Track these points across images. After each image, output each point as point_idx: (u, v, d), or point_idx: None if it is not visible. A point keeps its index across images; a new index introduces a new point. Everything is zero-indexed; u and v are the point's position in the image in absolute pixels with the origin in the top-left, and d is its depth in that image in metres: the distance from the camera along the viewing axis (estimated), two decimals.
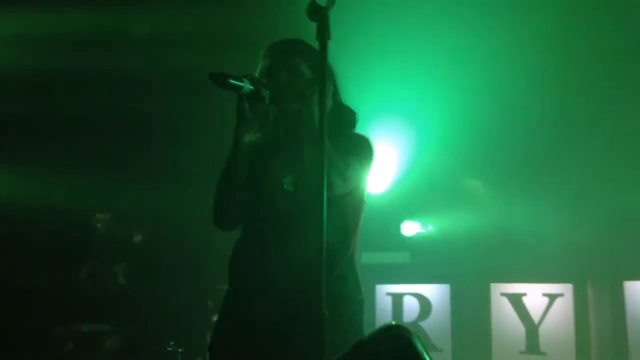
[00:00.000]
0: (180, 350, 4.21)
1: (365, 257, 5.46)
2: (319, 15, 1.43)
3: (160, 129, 4.57)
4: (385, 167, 5.32)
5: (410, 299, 5.00)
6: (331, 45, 1.46)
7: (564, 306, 4.54)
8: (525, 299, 4.66)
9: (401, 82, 4.74)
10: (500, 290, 4.75)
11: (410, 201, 5.24)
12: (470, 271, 4.84)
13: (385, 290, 5.06)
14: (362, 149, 1.81)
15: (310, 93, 1.76)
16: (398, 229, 5.46)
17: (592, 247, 4.70)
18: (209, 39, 4.25)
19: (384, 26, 4.33)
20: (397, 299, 5.01)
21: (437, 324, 4.88)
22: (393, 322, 3.03)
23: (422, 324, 4.91)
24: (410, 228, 5.37)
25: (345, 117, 1.85)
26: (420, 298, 4.97)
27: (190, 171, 4.61)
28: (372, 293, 5.05)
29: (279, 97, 1.72)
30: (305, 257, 1.51)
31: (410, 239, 5.39)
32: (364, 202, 1.86)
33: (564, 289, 4.58)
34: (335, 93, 1.86)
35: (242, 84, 1.63)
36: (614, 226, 4.65)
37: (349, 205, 1.77)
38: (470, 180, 4.97)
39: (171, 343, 4.21)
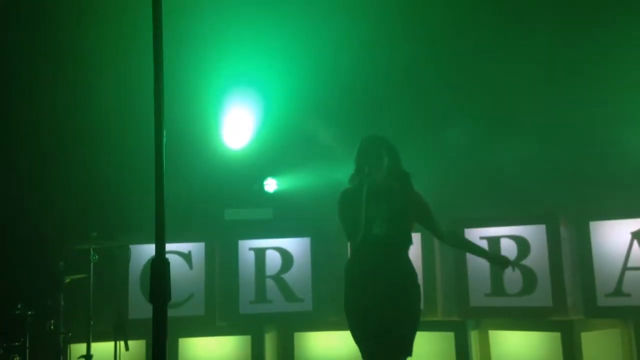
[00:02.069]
0: (29, 312, 3.93)
1: (228, 214, 5.42)
2: None
3: None
4: (244, 123, 5.27)
5: (272, 253, 5.04)
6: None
7: (414, 253, 4.79)
8: None
9: (255, 47, 4.72)
10: None
11: (271, 158, 5.26)
12: (329, 225, 4.97)
13: (248, 246, 5.06)
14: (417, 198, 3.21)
15: (390, 172, 3.16)
16: (261, 185, 5.46)
17: (434, 199, 5.02)
18: None
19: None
20: (260, 253, 5.03)
21: (299, 275, 4.99)
22: None
23: (285, 276, 4.99)
24: (272, 184, 5.39)
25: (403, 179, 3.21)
26: (282, 252, 5.03)
27: None
28: (235, 248, 5.04)
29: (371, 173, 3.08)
30: (388, 266, 3.06)
31: (272, 194, 5.42)
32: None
33: (412, 237, 4.81)
34: (394, 164, 3.17)
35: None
36: (454, 182, 4.98)
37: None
38: (325, 134, 5.05)
39: (19, 305, 3.91)
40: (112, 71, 4.69)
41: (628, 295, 4.16)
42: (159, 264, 1.64)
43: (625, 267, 4.18)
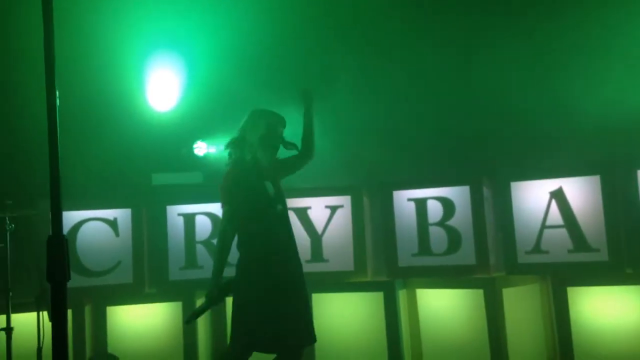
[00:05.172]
0: None
1: (156, 179, 5.14)
2: None
3: None
4: (170, 84, 4.97)
5: (202, 218, 4.83)
6: None
7: (344, 216, 4.74)
8: (310, 212, 4.77)
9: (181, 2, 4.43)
10: (288, 205, 4.78)
11: (201, 120, 5.02)
12: None
13: (177, 211, 4.81)
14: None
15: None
16: (190, 149, 5.21)
17: (365, 162, 4.99)
18: None
19: None
20: (189, 218, 4.80)
21: None
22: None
23: (215, 241, 4.79)
24: (201, 148, 5.15)
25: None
26: (212, 217, 4.83)
27: None
28: (164, 214, 4.78)
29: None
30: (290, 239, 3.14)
31: (202, 158, 5.18)
32: None
33: (344, 201, 4.76)
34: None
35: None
36: (382, 146, 4.94)
37: None
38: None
39: None
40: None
41: (546, 252, 4.23)
42: (56, 241, 1.45)
43: (543, 226, 4.24)
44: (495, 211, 4.54)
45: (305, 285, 3.10)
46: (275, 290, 2.97)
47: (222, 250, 3.06)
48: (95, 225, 4.65)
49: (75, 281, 4.42)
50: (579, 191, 4.19)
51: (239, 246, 3.10)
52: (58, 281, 1.42)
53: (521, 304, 4.25)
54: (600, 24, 4.46)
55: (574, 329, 4.08)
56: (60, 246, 1.46)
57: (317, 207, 4.75)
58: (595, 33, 4.50)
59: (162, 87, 5.13)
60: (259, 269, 3.00)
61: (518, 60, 4.71)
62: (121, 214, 4.71)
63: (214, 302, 3.06)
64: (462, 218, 4.47)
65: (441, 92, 4.97)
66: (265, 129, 3.11)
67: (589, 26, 4.51)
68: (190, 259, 4.76)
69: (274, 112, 3.20)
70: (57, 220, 1.47)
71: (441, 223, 4.52)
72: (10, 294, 3.91)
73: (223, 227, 3.07)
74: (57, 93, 1.58)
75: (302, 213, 4.73)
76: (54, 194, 1.47)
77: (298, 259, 3.15)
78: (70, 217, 4.59)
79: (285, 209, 3.17)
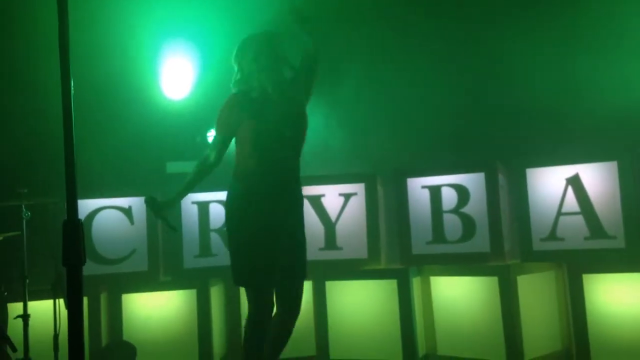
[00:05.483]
0: None
1: (170, 167, 5.14)
2: None
3: None
4: (184, 72, 4.95)
5: (215, 206, 4.83)
6: None
7: (357, 204, 4.71)
8: (323, 200, 4.74)
9: None
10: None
11: (215, 109, 4.99)
12: None
13: (191, 199, 4.81)
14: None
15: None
16: (204, 137, 5.20)
17: (378, 150, 4.95)
18: None
19: None
20: (203, 206, 4.80)
21: None
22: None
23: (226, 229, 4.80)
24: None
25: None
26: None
27: None
28: (178, 202, 4.77)
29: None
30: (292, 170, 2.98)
31: None
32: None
33: (357, 189, 4.73)
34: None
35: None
36: (396, 133, 4.88)
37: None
38: None
39: None
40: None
41: (562, 239, 4.16)
42: (72, 224, 1.45)
43: (559, 213, 4.17)
44: (510, 198, 4.48)
45: (302, 220, 3.02)
46: (271, 229, 2.87)
47: (197, 173, 3.03)
48: (110, 214, 4.66)
49: (91, 269, 4.46)
50: (596, 177, 4.12)
51: (234, 176, 3.01)
52: (73, 265, 1.41)
53: (536, 292, 4.20)
54: (618, 8, 4.37)
55: (589, 316, 4.03)
56: (75, 230, 1.45)
57: (331, 195, 4.72)
58: (612, 18, 4.41)
59: (176, 75, 5.11)
60: (253, 201, 2.88)
61: (534, 46, 4.63)
62: (136, 202, 4.72)
63: (158, 210, 3.00)
64: (476, 205, 4.42)
65: (455, 79, 4.91)
66: (256, 51, 2.90)
67: (606, 11, 4.42)
68: (205, 247, 4.76)
69: (264, 31, 2.98)
70: (73, 205, 1.47)
71: (455, 210, 4.47)
72: (27, 281, 3.93)
73: (207, 153, 3.02)
74: (72, 82, 1.59)
75: (315, 201, 4.71)
76: (69, 178, 1.46)
77: (299, 191, 3.02)
78: (86, 205, 4.60)
79: (297, 135, 2.94)
